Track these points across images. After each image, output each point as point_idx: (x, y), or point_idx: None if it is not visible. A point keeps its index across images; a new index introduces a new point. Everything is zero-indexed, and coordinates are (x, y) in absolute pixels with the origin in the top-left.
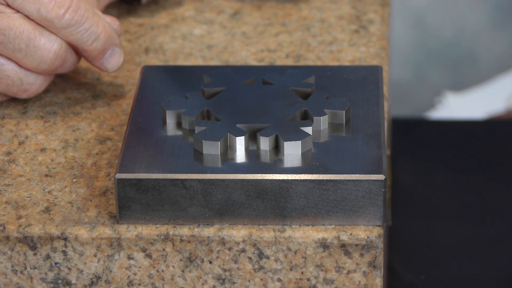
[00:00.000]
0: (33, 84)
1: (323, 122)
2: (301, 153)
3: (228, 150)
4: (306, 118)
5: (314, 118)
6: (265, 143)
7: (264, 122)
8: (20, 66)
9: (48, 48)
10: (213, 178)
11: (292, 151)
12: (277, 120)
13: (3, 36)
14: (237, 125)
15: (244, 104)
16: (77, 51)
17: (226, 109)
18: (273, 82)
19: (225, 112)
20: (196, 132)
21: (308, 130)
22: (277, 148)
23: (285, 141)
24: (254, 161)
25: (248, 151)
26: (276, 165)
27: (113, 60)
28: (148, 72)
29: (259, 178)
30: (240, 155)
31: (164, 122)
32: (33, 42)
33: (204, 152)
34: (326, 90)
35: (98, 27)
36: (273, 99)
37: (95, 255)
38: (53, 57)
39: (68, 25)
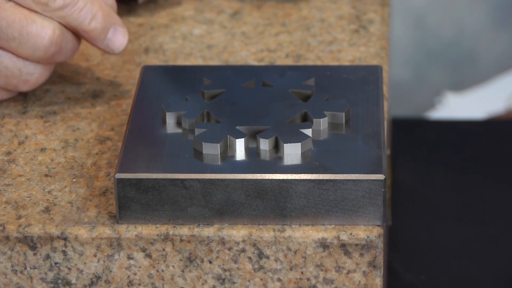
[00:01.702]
0: (33, 74)
1: (322, 124)
2: (301, 153)
3: (228, 152)
4: (306, 120)
5: (314, 120)
6: (265, 145)
7: (264, 124)
8: (18, 56)
9: (42, 34)
10: (213, 178)
11: (292, 153)
12: (277, 122)
13: None
14: (237, 127)
15: (244, 106)
16: (79, 34)
17: (226, 111)
18: (272, 84)
19: (225, 114)
20: (196, 134)
21: (308, 132)
22: (277, 150)
23: (284, 143)
24: (254, 161)
25: (248, 151)
26: (276, 165)
27: (117, 40)
28: (148, 72)
29: (259, 178)
30: (240, 155)
31: (164, 122)
32: (26, 29)
33: (204, 153)
34: (326, 90)
35: (93, 6)
36: (273, 101)
37: (95, 255)
38: (48, 44)
39: (63, 6)
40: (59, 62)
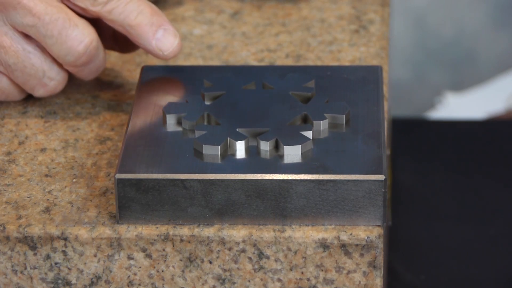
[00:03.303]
0: (53, 79)
1: (323, 126)
2: (301, 153)
3: (228, 154)
4: (306, 122)
5: (314, 122)
6: (265, 147)
7: (264, 126)
8: (46, 57)
9: (80, 39)
10: (213, 178)
11: (292, 155)
12: (277, 124)
13: (37, 19)
14: (237, 130)
15: (244, 108)
16: (126, 33)
17: (226, 113)
18: (273, 86)
19: (225, 116)
20: (196, 136)
21: (308, 134)
22: (277, 152)
23: (285, 145)
24: (254, 161)
25: (248, 151)
26: (276, 165)
27: (166, 41)
28: (148, 72)
29: (259, 178)
30: (240, 155)
31: (164, 122)
32: (66, 31)
33: (204, 154)
34: (326, 91)
35: (140, 2)
36: (273, 103)
37: (95, 255)
38: (82, 51)
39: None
40: (77, 77)
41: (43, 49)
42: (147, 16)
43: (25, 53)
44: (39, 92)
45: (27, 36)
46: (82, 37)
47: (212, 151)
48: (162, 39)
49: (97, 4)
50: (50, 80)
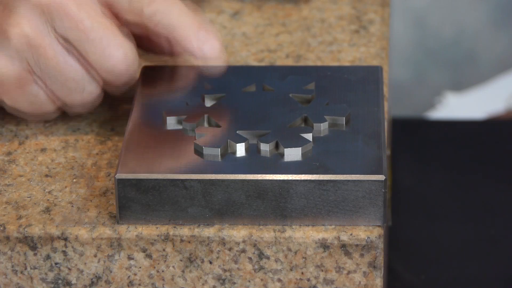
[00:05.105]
0: (93, 93)
1: (323, 128)
2: (301, 153)
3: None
4: (307, 124)
5: (314, 124)
6: (265, 150)
7: (265, 129)
8: (88, 72)
9: (121, 60)
10: (213, 178)
11: (293, 158)
12: (278, 127)
13: (83, 34)
14: (237, 132)
15: (245, 110)
16: (169, 37)
17: (226, 115)
18: (273, 88)
19: (225, 119)
20: (196, 138)
21: (309, 136)
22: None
23: (285, 147)
24: (254, 161)
25: (248, 152)
26: (276, 166)
27: (208, 43)
28: (148, 72)
29: (259, 178)
30: (240, 156)
31: (164, 122)
32: (109, 50)
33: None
34: (326, 91)
35: (184, 8)
36: (273, 105)
37: (95, 255)
38: (124, 69)
39: (156, 11)
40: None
41: (84, 64)
42: (191, 18)
43: (66, 66)
44: (79, 108)
45: (69, 50)
46: (125, 57)
47: (212, 153)
48: (204, 40)
49: (145, 16)
50: (90, 94)
